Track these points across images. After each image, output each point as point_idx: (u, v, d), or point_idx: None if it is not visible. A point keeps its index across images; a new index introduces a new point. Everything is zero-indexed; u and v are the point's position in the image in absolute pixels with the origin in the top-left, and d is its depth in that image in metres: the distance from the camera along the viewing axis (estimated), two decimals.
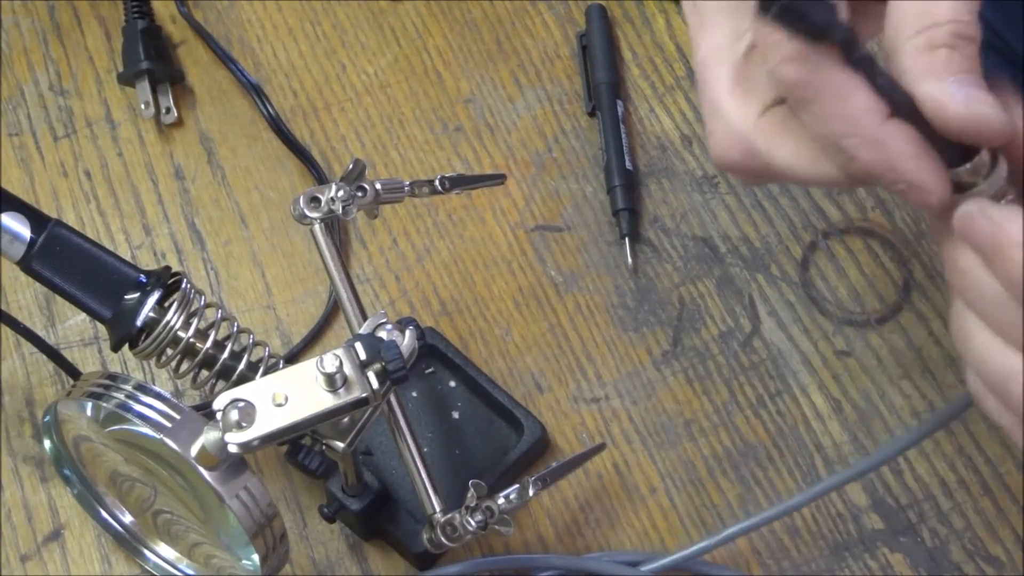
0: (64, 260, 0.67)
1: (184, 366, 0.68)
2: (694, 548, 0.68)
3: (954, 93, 0.51)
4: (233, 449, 0.59)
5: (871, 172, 0.52)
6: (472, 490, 0.65)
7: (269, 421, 0.59)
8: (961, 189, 0.52)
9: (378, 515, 0.70)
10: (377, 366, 0.61)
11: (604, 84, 0.81)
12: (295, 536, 0.72)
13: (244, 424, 0.59)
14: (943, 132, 0.51)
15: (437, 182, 0.71)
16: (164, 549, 0.71)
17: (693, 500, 0.72)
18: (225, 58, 0.84)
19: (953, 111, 0.50)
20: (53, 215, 0.69)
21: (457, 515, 0.65)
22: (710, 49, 0.56)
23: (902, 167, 0.51)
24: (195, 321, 0.67)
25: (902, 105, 0.52)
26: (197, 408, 0.71)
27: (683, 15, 0.53)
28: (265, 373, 0.67)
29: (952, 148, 0.51)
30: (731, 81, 0.56)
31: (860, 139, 0.51)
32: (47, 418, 0.68)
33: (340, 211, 0.68)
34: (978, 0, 0.53)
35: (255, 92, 0.83)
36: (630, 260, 0.77)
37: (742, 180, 0.58)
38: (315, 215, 0.68)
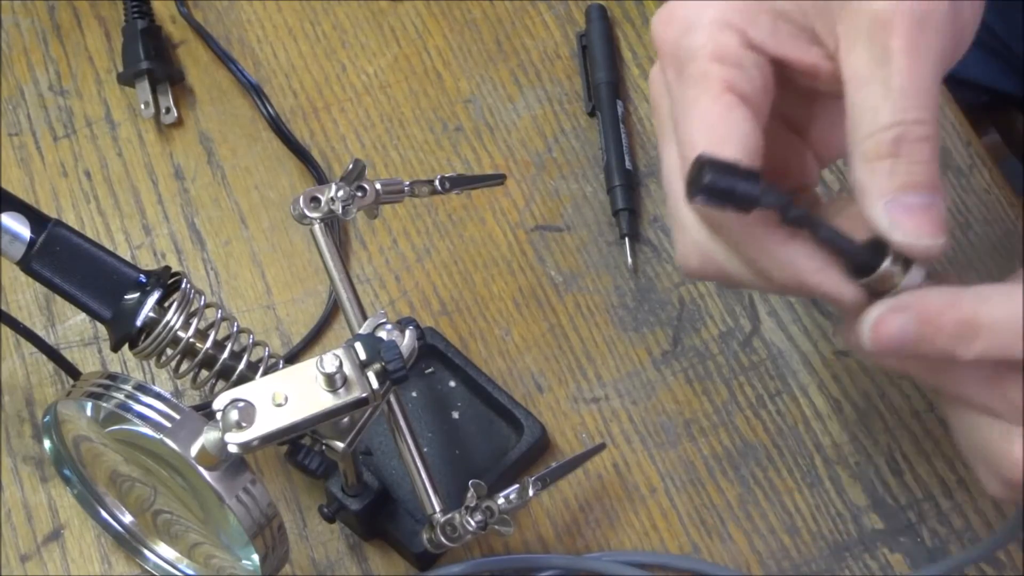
0: (64, 260, 0.67)
1: (184, 366, 0.68)
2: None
3: (888, 218, 0.52)
4: (233, 449, 0.59)
5: (786, 288, 0.55)
6: (472, 490, 0.65)
7: (269, 421, 0.59)
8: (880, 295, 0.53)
9: (378, 515, 0.70)
10: (377, 366, 0.61)
11: (604, 84, 0.81)
12: (295, 536, 0.72)
13: (244, 424, 0.59)
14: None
15: (437, 182, 0.71)
16: (164, 549, 0.71)
17: (693, 500, 0.72)
18: (225, 58, 0.84)
19: (881, 231, 0.52)
20: (53, 215, 0.69)
21: (457, 515, 0.65)
22: (670, 167, 0.58)
23: (809, 282, 0.54)
24: (195, 321, 0.67)
25: (841, 248, 0.54)
26: (197, 408, 0.71)
27: (863, 129, 0.54)
28: (265, 373, 0.67)
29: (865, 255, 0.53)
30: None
31: (768, 263, 0.54)
32: (47, 418, 0.68)
33: (340, 211, 0.68)
34: (934, 88, 0.53)
35: (255, 92, 0.83)
36: (630, 260, 0.77)
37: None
38: (315, 215, 0.68)
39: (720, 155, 0.52)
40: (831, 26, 0.54)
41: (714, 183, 0.52)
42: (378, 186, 0.69)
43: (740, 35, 0.56)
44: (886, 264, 0.53)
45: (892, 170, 0.51)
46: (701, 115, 0.55)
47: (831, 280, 0.54)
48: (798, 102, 0.59)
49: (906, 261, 0.53)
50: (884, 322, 0.52)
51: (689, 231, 0.57)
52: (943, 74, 0.54)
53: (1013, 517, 0.65)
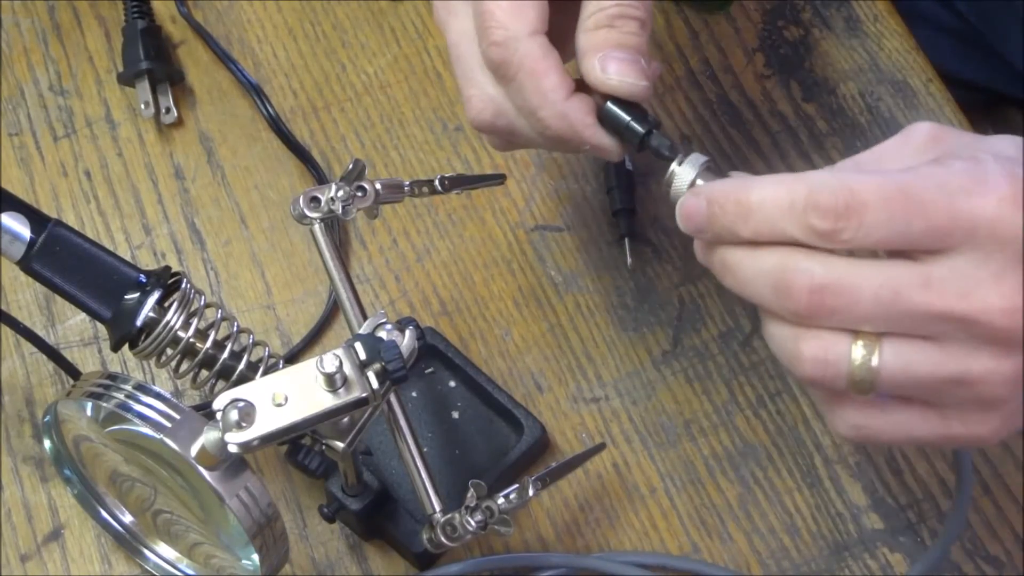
0: (64, 260, 0.67)
1: (184, 366, 0.68)
2: None
3: (600, 67, 0.63)
4: (233, 449, 0.59)
5: (561, 138, 0.64)
6: (472, 490, 0.65)
7: (269, 421, 0.59)
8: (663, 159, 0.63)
9: (378, 515, 0.70)
10: (377, 366, 0.61)
11: None
12: (295, 536, 0.72)
13: (244, 424, 0.59)
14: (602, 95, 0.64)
15: (437, 182, 0.71)
16: (164, 549, 0.71)
17: (693, 500, 0.72)
18: (225, 58, 0.84)
19: (595, 79, 0.63)
20: (53, 215, 0.69)
21: (457, 515, 0.65)
22: (460, 32, 0.66)
23: (583, 134, 0.64)
24: (195, 321, 0.67)
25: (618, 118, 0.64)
26: (197, 408, 0.71)
27: (588, 11, 0.64)
28: (265, 373, 0.67)
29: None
30: (480, 57, 0.65)
31: (549, 111, 0.63)
32: (47, 418, 0.68)
33: (340, 211, 0.68)
34: None
35: (255, 92, 0.83)
36: (630, 260, 0.77)
37: (496, 146, 0.69)
38: (315, 215, 0.68)
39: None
40: None
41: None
42: (378, 186, 0.69)
43: None
44: (655, 142, 0.63)
45: (606, 36, 0.63)
46: None
47: (599, 134, 0.64)
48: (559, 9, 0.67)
49: (672, 148, 0.63)
50: (685, 205, 0.59)
51: (484, 87, 0.65)
52: None
53: (951, 516, 0.68)
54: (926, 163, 0.56)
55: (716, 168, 0.61)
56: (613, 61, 0.63)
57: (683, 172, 0.61)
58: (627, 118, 0.64)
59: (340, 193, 0.68)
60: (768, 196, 0.56)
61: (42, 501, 0.74)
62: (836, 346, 0.55)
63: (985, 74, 1.00)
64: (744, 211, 0.57)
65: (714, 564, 0.70)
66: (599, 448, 0.70)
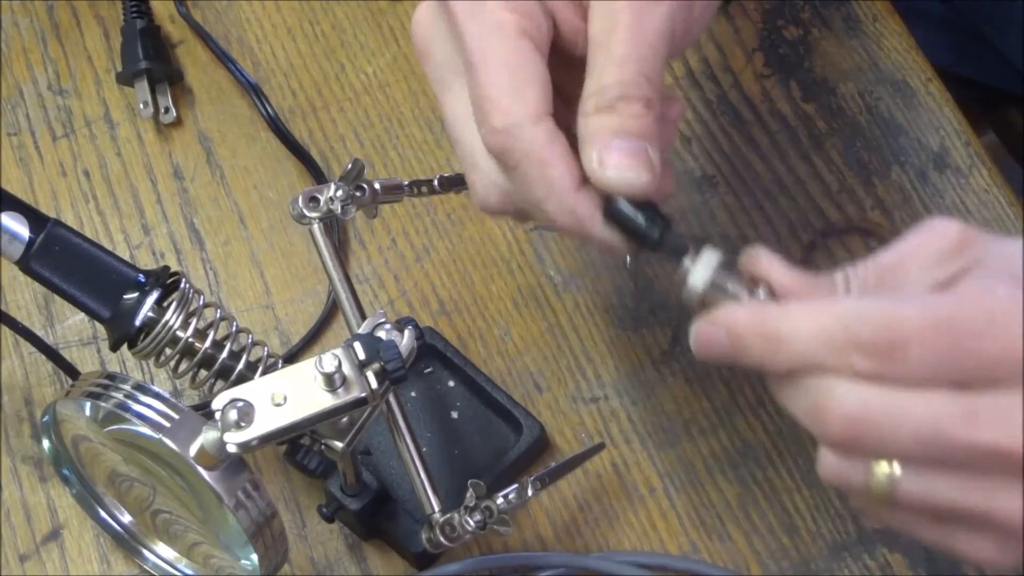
0: (63, 260, 0.67)
1: (183, 366, 0.68)
2: None
3: (598, 160, 0.57)
4: (232, 449, 0.59)
5: (568, 232, 0.59)
6: (471, 490, 0.65)
7: (268, 421, 0.59)
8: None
9: (377, 515, 0.70)
10: (376, 366, 0.61)
11: None
12: (294, 536, 0.72)
13: (243, 424, 0.59)
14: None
15: (436, 182, 0.71)
16: (163, 549, 0.71)
17: (692, 500, 0.72)
18: (224, 58, 0.84)
19: (593, 175, 0.57)
20: (52, 215, 0.69)
21: (456, 515, 0.65)
22: (456, 113, 0.61)
23: (591, 231, 0.58)
24: (194, 321, 0.67)
25: (631, 223, 0.58)
26: (196, 408, 0.71)
27: (588, 91, 0.59)
28: (264, 373, 0.67)
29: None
30: (480, 140, 0.60)
31: (555, 205, 0.58)
32: (46, 418, 0.68)
33: (339, 211, 0.68)
34: (654, 60, 0.58)
35: (254, 92, 0.83)
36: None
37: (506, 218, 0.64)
38: (314, 215, 0.68)
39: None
40: None
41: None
42: (377, 186, 0.69)
43: None
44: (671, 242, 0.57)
45: (606, 123, 0.57)
46: (502, 59, 0.58)
47: (605, 231, 0.58)
48: (562, 69, 0.62)
49: (696, 248, 0.57)
50: (702, 335, 0.55)
51: (487, 173, 0.60)
52: (670, 52, 0.59)
53: None
54: (968, 284, 0.52)
55: (731, 264, 0.56)
56: (614, 153, 0.57)
57: (696, 275, 0.56)
58: (634, 219, 0.58)
59: (339, 193, 0.68)
60: (800, 331, 0.52)
61: (41, 501, 0.74)
62: (857, 464, 0.52)
63: (984, 72, 1.00)
64: (772, 347, 0.53)
65: (713, 564, 0.70)
66: (598, 448, 0.70)
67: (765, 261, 0.56)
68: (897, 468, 0.52)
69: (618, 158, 0.57)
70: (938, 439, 0.51)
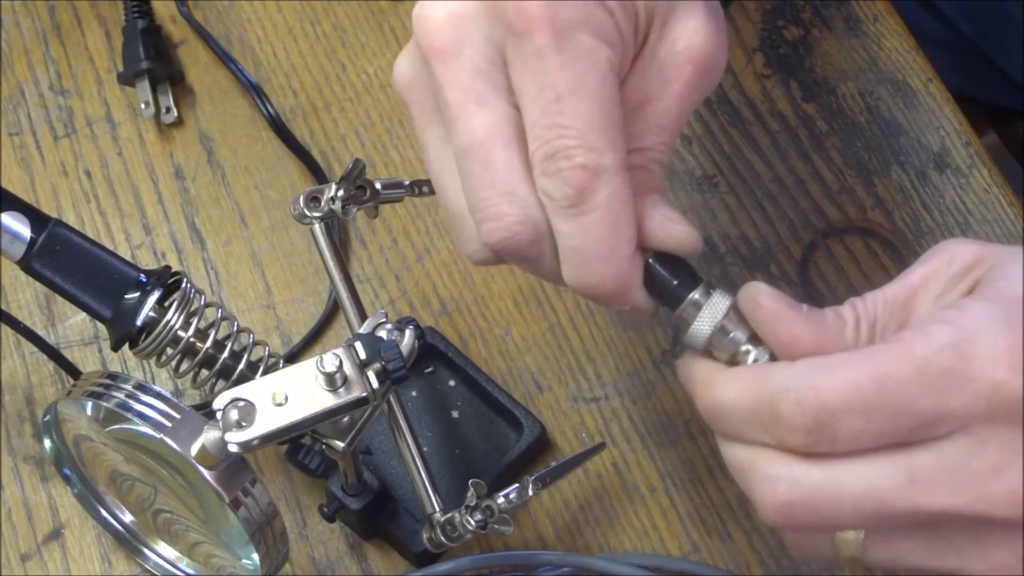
0: (64, 260, 0.67)
1: (184, 365, 0.68)
2: None
3: (667, 214, 0.55)
4: (233, 448, 0.59)
5: (600, 296, 0.55)
6: (472, 489, 0.65)
7: (269, 420, 0.59)
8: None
9: (378, 514, 0.70)
10: (377, 365, 0.61)
11: None
12: (295, 535, 0.72)
13: (244, 423, 0.59)
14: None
15: None
16: (164, 548, 0.71)
17: (693, 500, 0.72)
18: (225, 58, 0.84)
19: (666, 231, 0.55)
20: (53, 215, 0.69)
21: (457, 514, 0.65)
22: (492, 129, 0.55)
23: (632, 298, 0.55)
24: (195, 320, 0.67)
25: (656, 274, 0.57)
26: (197, 408, 0.71)
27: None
28: (265, 373, 0.67)
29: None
30: (522, 163, 0.55)
31: (610, 267, 0.54)
32: (47, 417, 0.68)
33: (340, 211, 0.68)
34: (671, 132, 0.56)
35: (255, 92, 0.83)
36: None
37: (490, 263, 0.60)
38: (315, 215, 0.68)
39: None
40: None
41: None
42: (378, 185, 0.69)
43: (610, 11, 0.54)
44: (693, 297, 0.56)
45: (642, 181, 0.55)
46: (595, 93, 0.53)
47: (642, 296, 0.56)
48: None
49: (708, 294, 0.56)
50: (679, 370, 0.56)
51: (526, 207, 0.55)
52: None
53: None
54: (908, 333, 0.50)
55: (737, 307, 0.55)
56: (662, 208, 0.54)
57: (702, 323, 0.55)
58: (675, 281, 0.56)
59: (340, 193, 0.68)
60: (731, 402, 0.52)
61: (42, 501, 0.74)
62: (819, 536, 0.52)
63: (987, 90, 0.99)
64: (711, 415, 0.53)
65: (713, 565, 0.70)
66: (599, 448, 0.70)
67: (766, 307, 0.53)
68: (861, 534, 0.50)
69: (670, 212, 0.55)
70: (881, 511, 0.49)
